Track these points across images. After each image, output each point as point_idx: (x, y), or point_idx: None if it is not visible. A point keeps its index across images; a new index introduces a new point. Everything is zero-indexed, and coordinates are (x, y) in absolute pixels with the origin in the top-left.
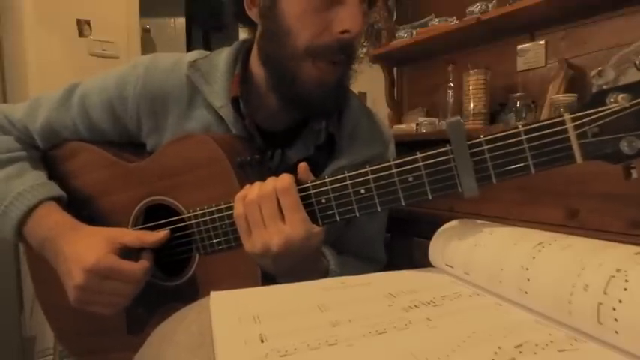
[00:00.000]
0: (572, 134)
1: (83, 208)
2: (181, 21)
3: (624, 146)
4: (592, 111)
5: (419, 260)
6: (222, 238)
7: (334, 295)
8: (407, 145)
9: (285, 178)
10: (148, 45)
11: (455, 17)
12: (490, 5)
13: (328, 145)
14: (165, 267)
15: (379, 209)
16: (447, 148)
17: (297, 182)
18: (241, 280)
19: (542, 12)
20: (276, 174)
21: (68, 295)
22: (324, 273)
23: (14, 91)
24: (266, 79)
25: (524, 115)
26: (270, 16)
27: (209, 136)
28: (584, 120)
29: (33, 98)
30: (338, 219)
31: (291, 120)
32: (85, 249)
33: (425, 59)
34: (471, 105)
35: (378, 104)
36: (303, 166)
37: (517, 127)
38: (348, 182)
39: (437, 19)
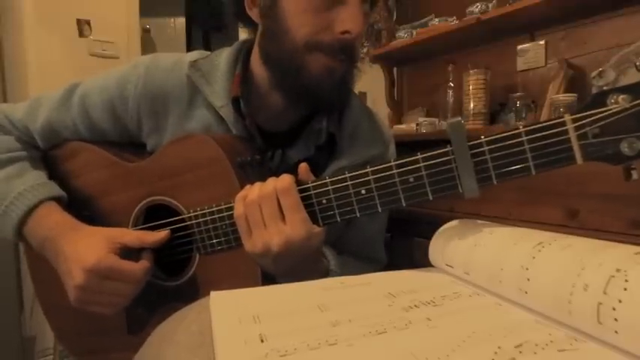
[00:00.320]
0: (572, 135)
1: (83, 208)
2: (181, 21)
3: (625, 147)
4: (593, 112)
5: (419, 260)
6: (223, 238)
7: (334, 295)
8: (407, 145)
9: (286, 179)
10: (148, 45)
11: (455, 17)
12: (490, 5)
13: (329, 146)
14: (166, 267)
15: (380, 209)
16: (448, 148)
17: (298, 182)
18: (241, 280)
19: (542, 12)
20: (277, 174)
21: (68, 295)
22: (325, 273)
23: (14, 91)
24: (268, 78)
25: (524, 115)
26: (271, 16)
27: (209, 136)
28: (584, 121)
29: (33, 98)
30: (338, 219)
31: (293, 119)
32: (85, 249)
33: (425, 59)
34: (471, 105)
35: (378, 104)
36: (303, 167)
37: (518, 128)
38: (349, 182)
39: (437, 19)
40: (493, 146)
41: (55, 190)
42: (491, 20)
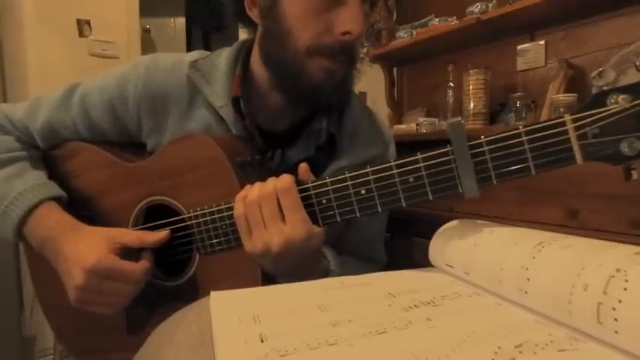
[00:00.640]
0: (572, 135)
1: (83, 208)
2: (181, 21)
3: (625, 147)
4: (593, 112)
5: (419, 260)
6: (223, 239)
7: (334, 295)
8: (407, 145)
9: (286, 179)
10: (148, 45)
11: (455, 17)
12: (490, 5)
13: (329, 146)
14: (166, 267)
15: (380, 210)
16: (448, 148)
17: (298, 182)
18: (241, 280)
19: (542, 12)
20: (277, 174)
21: (68, 296)
22: (324, 273)
23: (14, 91)
24: (268, 78)
25: (524, 115)
26: (271, 17)
27: (209, 136)
28: (584, 121)
29: (33, 98)
30: (338, 219)
31: (293, 119)
32: (85, 249)
33: (425, 59)
34: (471, 105)
35: (378, 104)
36: (303, 167)
37: (518, 128)
38: (349, 182)
39: (437, 19)
40: (493, 146)
41: (55, 190)
42: (491, 20)
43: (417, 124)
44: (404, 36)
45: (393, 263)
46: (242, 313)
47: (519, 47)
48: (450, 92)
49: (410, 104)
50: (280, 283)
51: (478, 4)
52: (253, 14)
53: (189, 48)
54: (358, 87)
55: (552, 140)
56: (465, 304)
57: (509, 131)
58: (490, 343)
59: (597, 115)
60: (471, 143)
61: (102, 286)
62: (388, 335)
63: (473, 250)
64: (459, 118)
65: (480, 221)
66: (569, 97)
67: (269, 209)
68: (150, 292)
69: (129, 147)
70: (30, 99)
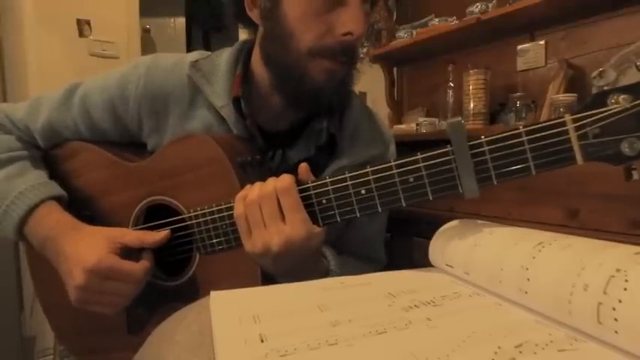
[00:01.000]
0: (573, 135)
1: (84, 208)
2: (181, 21)
3: (625, 147)
4: (593, 112)
5: (419, 260)
6: (223, 238)
7: (334, 295)
8: (407, 145)
9: (286, 178)
10: (148, 45)
11: (455, 17)
12: (490, 5)
13: (329, 146)
14: (166, 267)
15: (380, 210)
16: (448, 148)
17: (298, 182)
18: (241, 280)
19: (542, 12)
20: (277, 174)
21: (69, 295)
22: (324, 273)
23: (14, 91)
24: (269, 79)
25: (524, 115)
26: (272, 18)
27: (209, 135)
28: (585, 121)
29: (34, 98)
30: (338, 219)
31: (293, 120)
32: (85, 249)
33: (425, 59)
34: (471, 105)
35: (378, 104)
36: (303, 167)
37: (518, 128)
38: (349, 182)
39: (437, 19)
40: (493, 146)
41: (56, 189)
42: (491, 20)
43: (417, 124)
44: (404, 36)
45: (393, 263)
46: (242, 313)
47: (519, 47)
48: (450, 92)
49: (410, 104)
50: (280, 283)
51: (478, 4)
52: (253, 15)
53: (189, 48)
54: (358, 87)
55: (552, 140)
56: (465, 304)
57: (509, 131)
58: (490, 343)
59: (598, 115)
60: (471, 143)
61: (102, 286)
62: (388, 335)
63: (473, 250)
64: (459, 118)
65: (480, 221)
66: (569, 97)
67: (269, 209)
68: (150, 292)
69: (129, 147)
70: (30, 99)
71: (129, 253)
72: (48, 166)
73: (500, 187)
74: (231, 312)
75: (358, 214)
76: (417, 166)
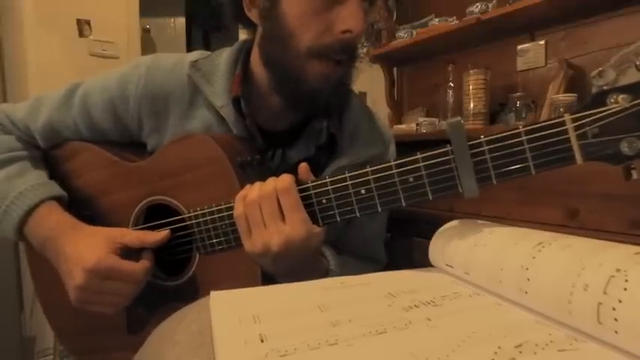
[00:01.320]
0: (572, 135)
1: (84, 208)
2: (181, 21)
3: (625, 147)
4: (592, 111)
5: (419, 260)
6: (223, 238)
7: (334, 295)
8: (407, 145)
9: (286, 178)
10: (148, 45)
11: (455, 17)
12: (490, 5)
13: (329, 146)
14: (166, 267)
15: (379, 209)
16: (448, 148)
17: (298, 182)
18: (241, 280)
19: (542, 12)
20: (277, 174)
21: (69, 295)
22: (324, 273)
23: (14, 91)
24: (268, 79)
25: (524, 115)
26: (271, 18)
27: (209, 135)
28: (584, 120)
29: (34, 98)
30: (338, 219)
31: (293, 120)
32: (85, 249)
33: (425, 59)
34: (471, 105)
35: (378, 104)
36: (303, 166)
37: (517, 128)
38: (349, 182)
39: (437, 19)
40: (493, 146)
41: (56, 189)
42: (491, 20)
43: (417, 124)
44: (404, 36)
45: (393, 263)
46: (242, 313)
47: (519, 47)
48: (450, 92)
49: (410, 104)
50: (280, 282)
51: (478, 4)
52: (252, 15)
53: (190, 48)
54: (358, 87)
55: (552, 140)
56: (465, 304)
57: (508, 131)
58: (490, 343)
59: (597, 115)
60: (471, 143)
61: (102, 286)
62: (388, 335)
63: (473, 250)
64: (459, 118)
65: (480, 221)
66: (569, 97)
67: (269, 209)
68: (150, 292)
69: (129, 147)
70: (31, 99)
71: (129, 253)
72: (48, 166)
73: (500, 187)
74: (231, 312)
75: (358, 214)
76: (417, 165)
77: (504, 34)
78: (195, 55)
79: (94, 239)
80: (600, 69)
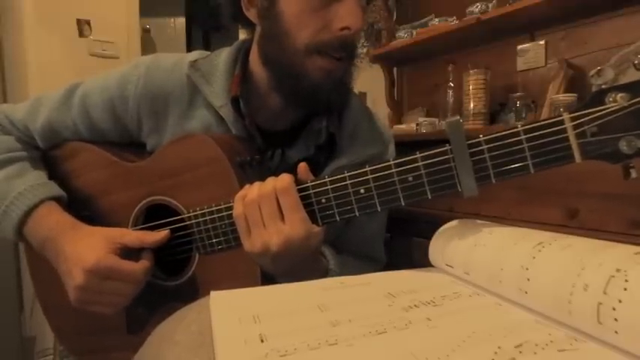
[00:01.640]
0: (571, 134)
1: (83, 208)
2: (181, 21)
3: (623, 145)
4: (591, 110)
5: (419, 260)
6: (222, 238)
7: (334, 295)
8: (407, 145)
9: (285, 178)
10: (148, 45)
11: (455, 17)
12: (490, 5)
13: (328, 145)
14: (166, 267)
15: (379, 209)
16: (447, 147)
17: (297, 182)
18: (241, 280)
19: (542, 12)
20: (276, 174)
21: (69, 295)
22: (324, 273)
23: (14, 91)
24: (267, 78)
25: (524, 115)
26: (269, 17)
27: (209, 135)
28: (583, 119)
29: (34, 98)
30: (338, 219)
31: (292, 119)
32: (85, 249)
33: (425, 59)
34: (471, 105)
35: (378, 104)
36: (303, 166)
37: (516, 127)
38: (348, 182)
39: (437, 19)
40: (492, 145)
41: (55, 189)
42: (491, 20)
43: (417, 124)
44: (404, 36)
45: (393, 263)
46: (242, 313)
47: (519, 47)
48: (450, 92)
49: (410, 104)
50: (280, 282)
51: (478, 4)
52: (251, 14)
53: (189, 48)
54: (358, 87)
55: (551, 139)
56: (465, 304)
57: (507, 130)
58: (490, 343)
59: (596, 114)
60: (470, 142)
61: (102, 286)
62: (388, 335)
63: (473, 250)
64: (458, 117)
65: (479, 221)
66: (569, 97)
67: (268, 209)
68: (150, 292)
69: (129, 147)
70: (30, 99)
71: (128, 253)
72: (47, 166)
73: (500, 187)
74: (231, 312)
75: (357, 214)
76: (416, 165)
77: (504, 34)
78: (195, 55)
79: (94, 239)
80: (599, 68)
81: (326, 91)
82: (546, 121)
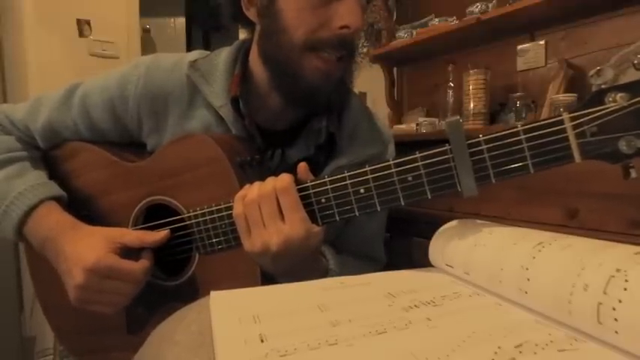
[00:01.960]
0: (570, 133)
1: (83, 208)
2: (181, 21)
3: (623, 145)
4: (590, 110)
5: (419, 260)
6: (222, 238)
7: (334, 295)
8: (407, 145)
9: (285, 178)
10: (148, 45)
11: (455, 17)
12: (490, 5)
13: (328, 145)
14: (166, 267)
15: (378, 209)
16: (446, 147)
17: (297, 182)
18: (241, 280)
19: (542, 12)
20: (276, 174)
21: (69, 295)
22: (324, 273)
23: (14, 91)
24: (267, 78)
25: (524, 115)
26: (269, 15)
27: (209, 135)
28: (582, 119)
29: (34, 98)
30: (337, 218)
31: (292, 119)
32: (85, 248)
33: (425, 59)
34: (471, 105)
35: (378, 104)
36: (302, 166)
37: (516, 127)
38: (348, 182)
39: (437, 19)
40: (491, 145)
41: (55, 189)
42: (491, 20)
43: (417, 124)
44: (404, 36)
45: (393, 263)
46: (242, 313)
47: (519, 47)
48: (450, 92)
49: (410, 104)
50: (280, 282)
51: (478, 4)
52: (250, 14)
53: (189, 48)
54: (358, 87)
55: (550, 139)
56: (465, 304)
57: (507, 130)
58: (490, 343)
59: (595, 114)
60: (470, 142)
61: (102, 286)
62: (388, 335)
63: (473, 250)
64: (458, 117)
65: (479, 221)
66: (569, 97)
67: (268, 208)
68: (150, 292)
69: (129, 147)
70: (30, 99)
71: (128, 252)
72: (47, 166)
73: (499, 187)
74: (231, 312)
75: (357, 213)
76: (416, 165)
77: (504, 34)
78: (195, 55)
79: (94, 239)
80: (599, 68)
81: (324, 93)
82: (546, 121)
